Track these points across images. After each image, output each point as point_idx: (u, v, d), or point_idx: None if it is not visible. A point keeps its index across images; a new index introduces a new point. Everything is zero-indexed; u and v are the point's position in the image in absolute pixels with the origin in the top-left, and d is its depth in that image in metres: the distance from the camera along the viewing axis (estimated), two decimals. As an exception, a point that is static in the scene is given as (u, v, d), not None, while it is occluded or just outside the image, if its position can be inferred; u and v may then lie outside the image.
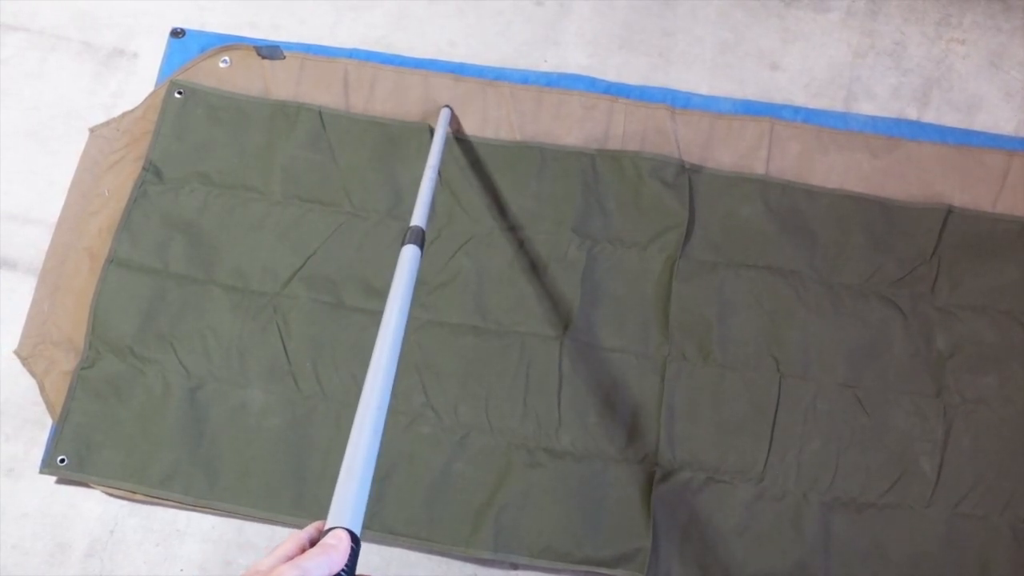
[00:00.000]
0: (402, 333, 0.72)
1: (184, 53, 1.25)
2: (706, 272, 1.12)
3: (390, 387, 0.65)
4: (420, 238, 0.85)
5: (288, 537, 0.49)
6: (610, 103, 1.20)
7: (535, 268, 1.13)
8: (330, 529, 0.50)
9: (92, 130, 1.20)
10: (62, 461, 1.03)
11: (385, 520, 1.01)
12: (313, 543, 0.49)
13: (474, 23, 1.30)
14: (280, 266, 1.12)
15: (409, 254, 0.82)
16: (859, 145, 1.20)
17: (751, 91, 1.26)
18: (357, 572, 0.48)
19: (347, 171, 1.17)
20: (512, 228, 1.15)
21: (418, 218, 0.90)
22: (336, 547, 0.48)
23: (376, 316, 1.08)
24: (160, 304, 1.09)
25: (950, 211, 1.15)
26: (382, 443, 1.02)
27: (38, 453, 1.05)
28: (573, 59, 1.27)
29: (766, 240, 1.14)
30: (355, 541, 0.49)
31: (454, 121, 1.20)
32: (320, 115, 1.19)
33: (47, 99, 1.24)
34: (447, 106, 1.19)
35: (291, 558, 0.46)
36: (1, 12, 1.28)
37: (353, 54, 1.24)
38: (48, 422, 1.06)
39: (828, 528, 1.02)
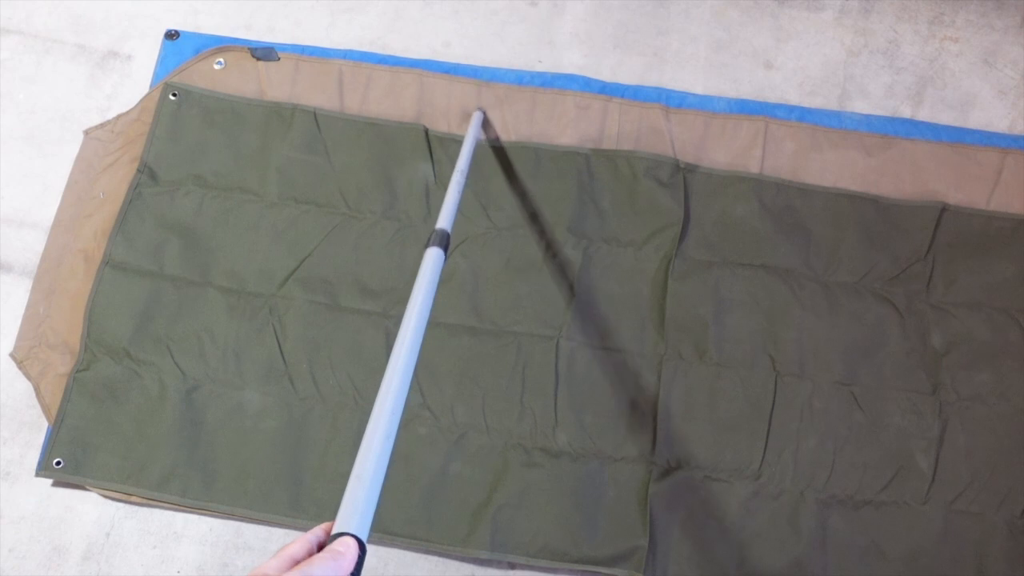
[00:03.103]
0: (421, 336, 0.70)
1: (178, 55, 1.25)
2: (702, 271, 1.12)
3: (406, 391, 0.64)
4: (445, 241, 0.84)
5: (296, 539, 0.49)
6: (605, 103, 1.21)
7: (531, 268, 1.13)
8: (338, 535, 0.49)
9: (87, 132, 1.20)
10: (58, 464, 1.03)
11: (382, 520, 1.01)
12: (320, 547, 0.49)
13: (469, 24, 1.30)
14: (276, 267, 1.12)
15: (433, 256, 0.81)
16: (853, 143, 1.20)
17: (745, 90, 1.26)
18: None
19: (342, 172, 1.17)
20: (508, 228, 1.15)
21: (443, 221, 0.89)
22: (344, 554, 0.47)
23: (372, 317, 1.10)
24: (156, 306, 1.09)
25: (944, 209, 1.16)
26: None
27: (34, 456, 1.05)
28: (568, 59, 1.28)
29: (761, 239, 1.14)
30: (361, 548, 0.49)
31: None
32: (315, 116, 1.19)
33: (42, 102, 1.24)
34: (480, 109, 1.19)
35: (298, 561, 0.46)
36: (-5, 15, 1.28)
37: (348, 55, 1.24)
38: (44, 425, 1.06)
39: (825, 525, 1.02)
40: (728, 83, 1.27)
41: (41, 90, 1.24)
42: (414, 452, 1.04)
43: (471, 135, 1.09)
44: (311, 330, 1.09)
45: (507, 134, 1.20)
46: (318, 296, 1.11)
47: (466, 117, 1.20)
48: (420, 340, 0.70)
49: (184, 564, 1.02)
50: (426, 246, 0.83)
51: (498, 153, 1.18)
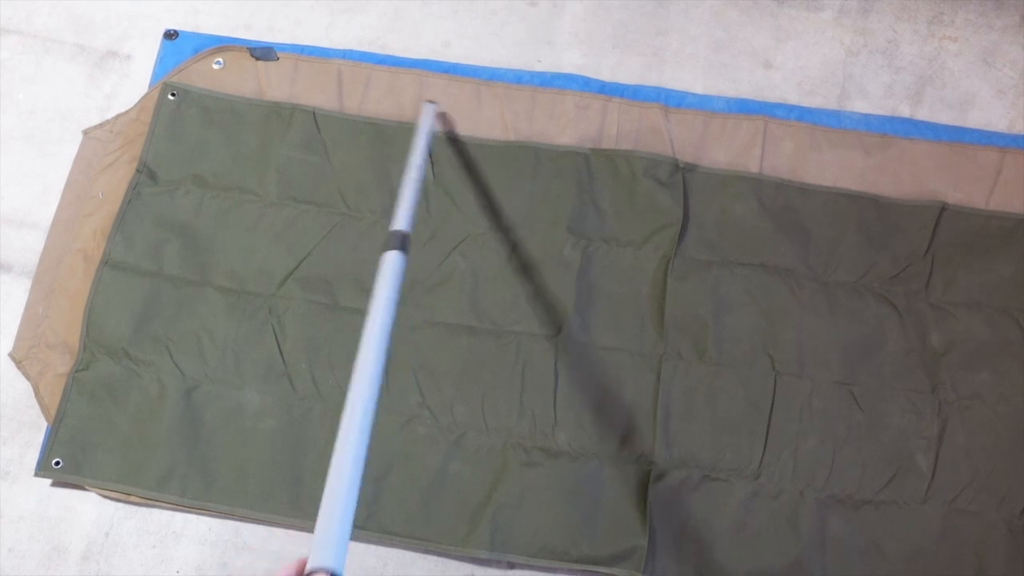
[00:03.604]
0: (384, 348, 0.67)
1: (178, 55, 1.25)
2: (701, 270, 1.12)
3: (373, 410, 0.61)
4: (403, 242, 0.79)
5: None
6: (604, 102, 1.21)
7: (530, 268, 1.13)
8: (312, 572, 0.48)
9: (86, 132, 1.20)
10: (57, 464, 1.03)
11: (382, 520, 1.01)
12: None
13: (468, 23, 1.30)
14: (275, 267, 1.12)
15: (390, 260, 0.76)
16: (853, 143, 1.20)
17: (745, 90, 1.26)
18: None
19: (341, 172, 1.17)
20: (507, 228, 1.15)
21: (401, 221, 0.84)
22: None
23: (371, 316, 1.10)
24: (155, 306, 1.09)
25: (944, 208, 1.16)
26: (379, 443, 1.03)
27: (33, 456, 1.05)
28: (567, 59, 1.28)
29: (761, 238, 1.14)
30: None
31: (445, 121, 1.18)
32: (314, 116, 1.19)
33: (42, 102, 1.24)
34: (430, 101, 1.16)
35: None
36: (-5, 15, 1.28)
37: (347, 55, 1.24)
38: (43, 425, 1.06)
39: (824, 525, 1.02)
40: (727, 83, 1.27)
41: (41, 90, 1.24)
42: (413, 452, 1.04)
43: (424, 128, 1.05)
44: (310, 330, 1.09)
45: (506, 133, 1.20)
46: (317, 296, 1.11)
47: (466, 117, 1.20)
48: (384, 353, 0.66)
49: (183, 564, 1.02)
50: (382, 250, 0.78)
51: (497, 153, 1.18)
